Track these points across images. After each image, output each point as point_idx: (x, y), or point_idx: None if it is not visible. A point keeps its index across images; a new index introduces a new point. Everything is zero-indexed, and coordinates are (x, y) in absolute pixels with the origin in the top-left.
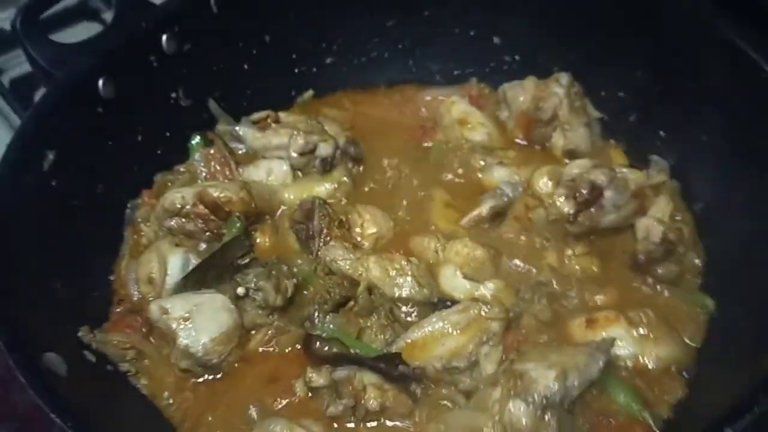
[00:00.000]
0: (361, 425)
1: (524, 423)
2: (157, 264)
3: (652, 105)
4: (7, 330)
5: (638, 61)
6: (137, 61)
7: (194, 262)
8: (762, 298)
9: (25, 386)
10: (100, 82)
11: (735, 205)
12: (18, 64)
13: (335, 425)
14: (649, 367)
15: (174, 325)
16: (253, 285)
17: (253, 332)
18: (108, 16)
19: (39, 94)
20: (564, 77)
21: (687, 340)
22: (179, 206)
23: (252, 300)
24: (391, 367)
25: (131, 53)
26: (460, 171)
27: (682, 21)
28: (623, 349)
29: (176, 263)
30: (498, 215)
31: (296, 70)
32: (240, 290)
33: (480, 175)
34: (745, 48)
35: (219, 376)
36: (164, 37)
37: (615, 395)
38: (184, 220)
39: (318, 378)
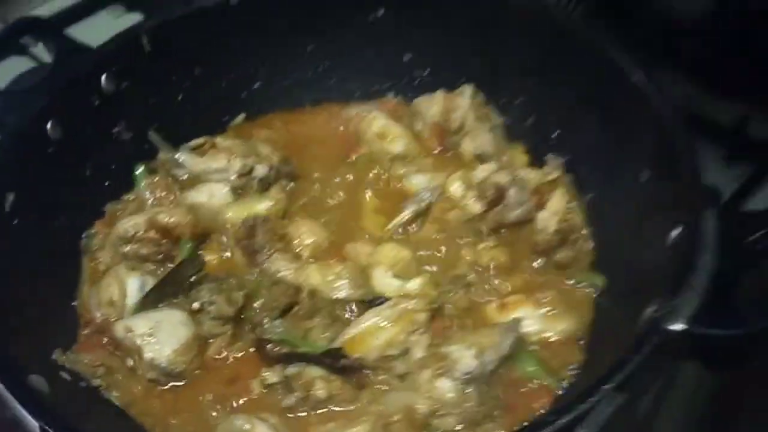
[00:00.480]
0: (312, 413)
1: (450, 396)
2: (117, 288)
3: (545, 109)
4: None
5: (530, 71)
6: (80, 102)
7: (151, 283)
8: (639, 272)
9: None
10: (49, 125)
11: (618, 194)
12: None
13: (290, 415)
14: (552, 339)
15: (139, 342)
16: (206, 299)
17: (210, 341)
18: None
19: None
20: (468, 89)
21: (583, 314)
22: (132, 233)
23: (207, 313)
24: (334, 360)
25: (74, 95)
26: (384, 180)
27: (563, 37)
28: (530, 326)
29: (134, 285)
30: (419, 217)
31: (227, 97)
32: (195, 305)
33: (401, 184)
34: (615, 58)
35: (182, 383)
36: (103, 78)
37: (525, 366)
38: (137, 245)
39: (272, 376)
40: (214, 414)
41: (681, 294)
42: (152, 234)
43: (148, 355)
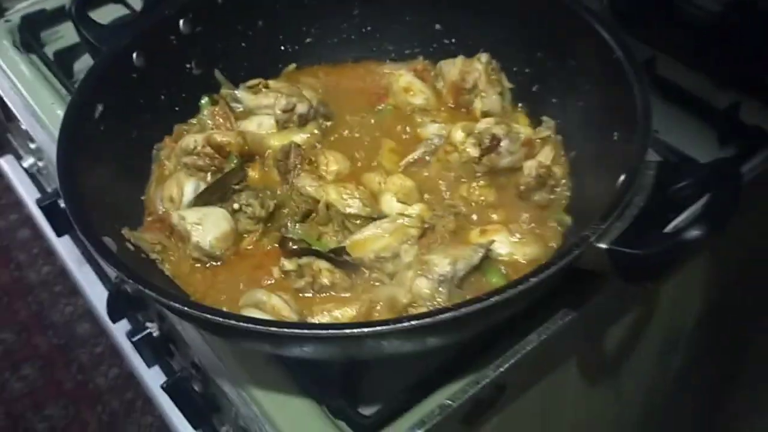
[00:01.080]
0: (317, 295)
1: (425, 291)
2: (176, 188)
3: (547, 79)
4: (80, 221)
5: (538, 45)
6: (161, 40)
7: (203, 186)
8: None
9: (94, 257)
10: (134, 55)
11: (595, 152)
12: (55, 40)
13: (299, 295)
14: (520, 261)
15: (189, 228)
16: (244, 202)
17: (244, 235)
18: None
19: (77, 64)
20: (484, 56)
21: (549, 244)
22: (192, 147)
23: (243, 213)
24: (338, 257)
25: (157, 33)
26: (404, 126)
27: (569, 19)
28: (501, 249)
29: (190, 188)
30: (427, 157)
31: (282, 48)
32: (235, 205)
33: (419, 130)
34: (604, 36)
35: (219, 263)
36: (181, 22)
37: (491, 278)
38: (195, 157)
39: (289, 264)
40: (242, 288)
41: (610, 222)
42: (208, 149)
43: (195, 238)
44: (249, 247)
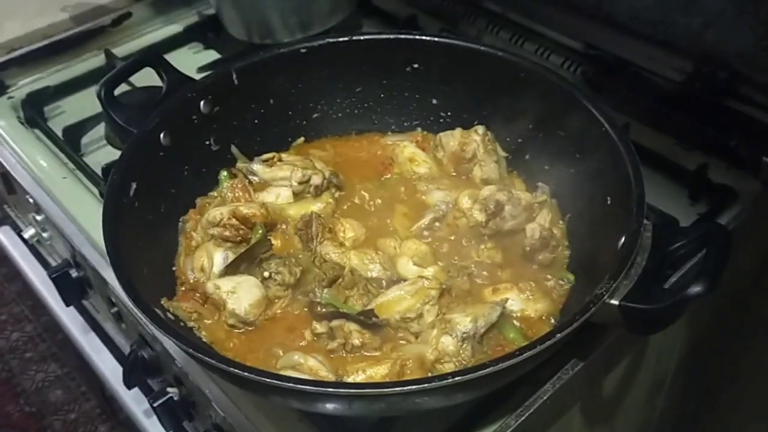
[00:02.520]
0: (349, 356)
1: (451, 349)
2: (206, 258)
3: (538, 148)
4: (132, 293)
5: (529, 118)
6: (184, 120)
7: (231, 256)
8: (597, 270)
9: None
10: (162, 135)
11: (589, 214)
12: (58, 114)
13: (332, 356)
14: (531, 316)
15: (224, 296)
16: (274, 270)
17: (275, 301)
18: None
19: (84, 139)
20: (480, 128)
21: (555, 300)
22: (219, 219)
23: (273, 280)
24: (367, 318)
25: (180, 114)
26: (410, 194)
27: (556, 94)
28: (514, 305)
29: (219, 258)
30: (436, 222)
31: (291, 123)
32: (265, 273)
33: (424, 197)
34: (590, 108)
35: (253, 329)
36: (202, 103)
37: (507, 333)
38: (222, 228)
39: (320, 327)
40: (275, 350)
41: (618, 281)
42: (233, 221)
43: (230, 306)
44: (279, 312)
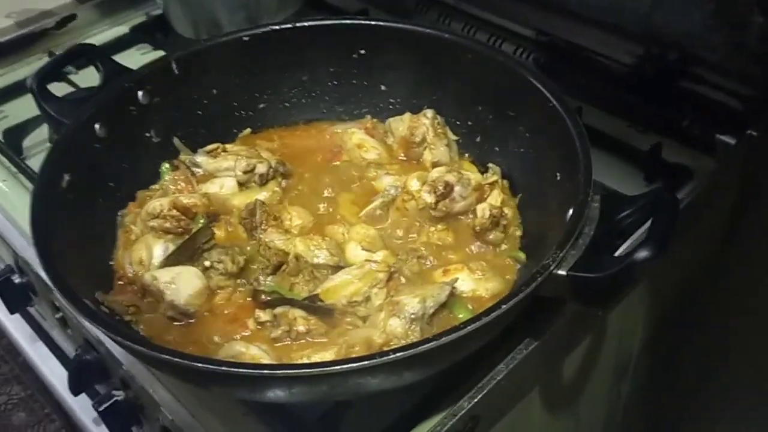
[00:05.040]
0: (294, 343)
1: (399, 330)
2: (145, 251)
3: (489, 129)
4: (62, 288)
5: (478, 100)
6: (122, 111)
7: (171, 248)
8: (547, 245)
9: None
10: (97, 126)
11: (540, 196)
12: (1, 119)
13: (276, 344)
14: (483, 296)
15: (162, 287)
16: (216, 259)
17: (217, 291)
18: (75, 78)
19: (26, 141)
20: (429, 112)
21: (507, 279)
22: (158, 211)
23: (215, 270)
24: (312, 304)
25: (117, 105)
26: (360, 180)
27: (506, 76)
28: (464, 285)
29: (159, 250)
30: (385, 207)
31: (236, 114)
32: (206, 263)
33: (374, 183)
34: (538, 87)
35: (193, 321)
36: (140, 93)
37: (457, 313)
38: (162, 220)
39: (263, 315)
40: (218, 341)
41: (565, 250)
42: (174, 212)
43: (169, 297)
44: (222, 303)
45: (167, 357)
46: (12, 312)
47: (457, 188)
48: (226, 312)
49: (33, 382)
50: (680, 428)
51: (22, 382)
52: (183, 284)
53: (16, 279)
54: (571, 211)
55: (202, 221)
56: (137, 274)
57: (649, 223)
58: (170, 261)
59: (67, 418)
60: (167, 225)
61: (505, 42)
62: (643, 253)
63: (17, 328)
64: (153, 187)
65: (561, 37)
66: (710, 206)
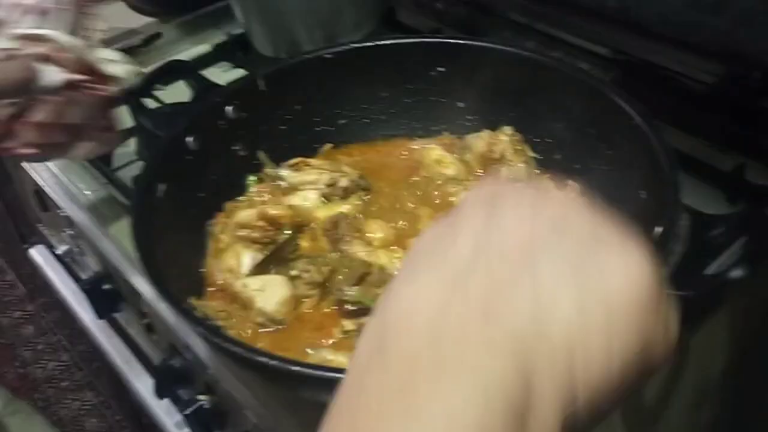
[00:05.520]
0: None
1: None
2: (235, 259)
3: (568, 147)
4: (162, 291)
5: (557, 118)
6: (212, 125)
7: (259, 257)
8: None
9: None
10: (189, 139)
11: (623, 210)
12: None
13: None
14: None
15: (253, 294)
16: (302, 269)
17: (303, 300)
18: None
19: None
20: (508, 129)
21: None
22: (246, 221)
23: (302, 279)
24: None
25: (208, 119)
26: (438, 195)
27: (587, 93)
28: None
29: (247, 258)
30: None
31: (318, 129)
32: (293, 272)
33: (452, 198)
34: (620, 104)
35: (281, 327)
36: (229, 108)
37: None
38: (250, 230)
39: (349, 324)
40: (305, 349)
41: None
42: (262, 222)
43: (258, 304)
44: (308, 311)
45: (264, 360)
46: (100, 317)
47: None
48: (311, 320)
49: (105, 388)
50: None
51: (94, 389)
52: (272, 292)
53: (105, 286)
54: (659, 229)
55: (288, 232)
56: (227, 281)
57: (739, 243)
58: (259, 269)
59: (141, 425)
60: (255, 235)
61: (581, 61)
62: (737, 272)
63: (102, 334)
64: (239, 198)
65: (639, 56)
66: None
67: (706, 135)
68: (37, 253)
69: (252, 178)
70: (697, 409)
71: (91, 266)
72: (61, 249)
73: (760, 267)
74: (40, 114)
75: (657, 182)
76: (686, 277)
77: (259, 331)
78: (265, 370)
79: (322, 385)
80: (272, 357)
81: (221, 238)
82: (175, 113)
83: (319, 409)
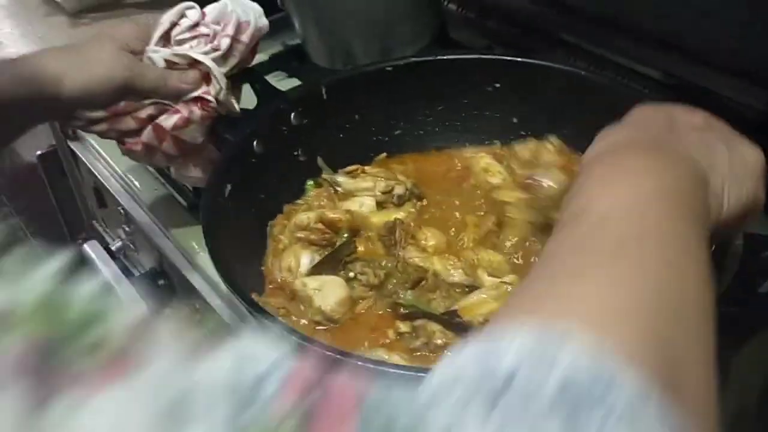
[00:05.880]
0: (431, 355)
1: None
2: (294, 259)
3: None
4: (232, 285)
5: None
6: (276, 130)
7: (317, 258)
8: None
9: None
10: (255, 143)
11: None
12: None
13: (415, 354)
14: None
15: (311, 293)
16: (359, 271)
17: (359, 301)
18: None
19: None
20: (553, 138)
21: None
22: (306, 223)
23: (358, 281)
24: (450, 319)
25: (272, 124)
26: (483, 205)
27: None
28: None
29: (306, 259)
30: None
31: (374, 138)
32: (350, 274)
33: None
34: None
35: (337, 326)
36: (292, 115)
37: None
38: (308, 232)
39: (404, 326)
40: (362, 348)
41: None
42: (320, 225)
43: (317, 303)
44: (363, 312)
45: (329, 354)
46: (153, 312)
47: None
48: (366, 321)
49: None
50: None
51: None
52: (329, 292)
53: (160, 281)
54: (713, 247)
55: (345, 236)
56: (286, 280)
57: None
58: (316, 270)
59: None
60: (313, 237)
61: (631, 82)
62: None
63: None
64: (298, 201)
65: (688, 79)
66: None
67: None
68: (91, 249)
69: (310, 182)
70: (734, 428)
71: (144, 263)
72: (115, 245)
73: None
74: (169, 121)
75: None
76: (740, 294)
77: (316, 328)
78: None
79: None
80: (336, 351)
81: (280, 239)
82: (242, 118)
83: None
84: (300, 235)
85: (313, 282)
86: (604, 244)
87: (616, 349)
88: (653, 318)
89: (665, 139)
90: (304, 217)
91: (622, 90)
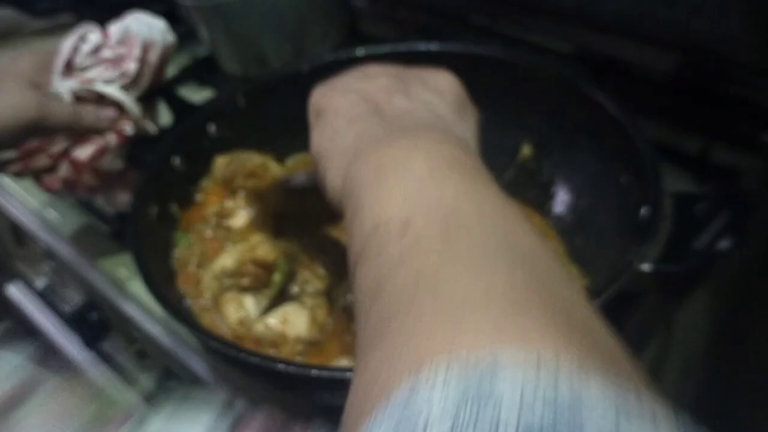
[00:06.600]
0: None
1: None
2: (240, 309)
3: (545, 142)
4: (165, 305)
5: (533, 113)
6: (195, 143)
7: (263, 301)
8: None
9: None
10: (176, 160)
11: (606, 195)
12: None
13: None
14: None
15: (280, 329)
16: (302, 281)
17: (318, 311)
18: None
19: None
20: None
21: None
22: (234, 268)
23: (306, 293)
24: None
25: (192, 138)
26: None
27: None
28: None
29: (250, 303)
30: None
31: (297, 144)
32: (296, 289)
33: None
34: (592, 95)
35: (318, 345)
36: (213, 127)
37: None
38: (238, 278)
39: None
40: (339, 360)
41: (646, 245)
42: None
43: (292, 334)
44: (327, 321)
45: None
46: (89, 347)
47: None
48: (339, 330)
49: None
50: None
51: None
52: (295, 319)
53: (92, 315)
54: (645, 209)
55: (285, 267)
56: (239, 332)
57: (721, 217)
58: (265, 309)
59: None
60: (245, 282)
61: (544, 59)
62: (725, 243)
63: (91, 365)
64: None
65: (600, 51)
66: (758, 205)
67: (669, 122)
68: (16, 289)
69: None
70: (683, 380)
71: (74, 299)
72: (41, 284)
73: (743, 239)
74: (85, 153)
75: (637, 167)
76: (676, 252)
77: (297, 359)
78: (280, 377)
79: (335, 386)
80: (289, 363)
81: (201, 291)
82: (159, 138)
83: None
84: (229, 283)
85: (273, 319)
86: (426, 254)
87: (551, 354)
88: (534, 291)
89: (388, 116)
90: (228, 262)
91: (539, 68)
